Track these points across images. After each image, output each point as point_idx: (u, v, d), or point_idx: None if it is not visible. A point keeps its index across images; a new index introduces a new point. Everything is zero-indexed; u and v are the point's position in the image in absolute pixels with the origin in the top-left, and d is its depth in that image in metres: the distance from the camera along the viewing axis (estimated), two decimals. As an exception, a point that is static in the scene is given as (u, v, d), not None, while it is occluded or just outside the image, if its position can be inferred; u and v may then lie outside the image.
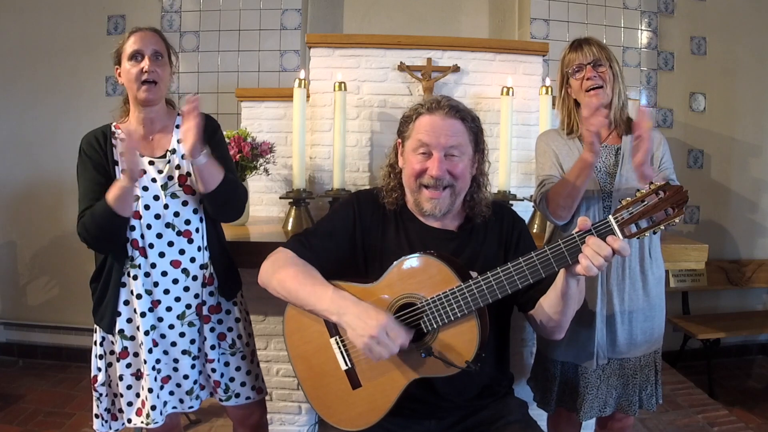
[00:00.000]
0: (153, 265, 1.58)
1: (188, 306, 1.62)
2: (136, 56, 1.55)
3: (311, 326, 1.43)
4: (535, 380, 1.91)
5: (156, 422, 1.59)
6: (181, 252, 1.61)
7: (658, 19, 3.52)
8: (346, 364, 1.39)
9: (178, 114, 1.67)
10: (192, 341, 1.64)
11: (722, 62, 3.61)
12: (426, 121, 1.44)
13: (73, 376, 3.20)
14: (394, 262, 1.37)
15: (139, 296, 1.57)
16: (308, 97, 2.36)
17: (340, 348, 1.40)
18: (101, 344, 1.62)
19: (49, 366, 3.35)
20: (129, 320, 1.59)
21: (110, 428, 1.65)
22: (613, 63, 1.72)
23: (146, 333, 1.57)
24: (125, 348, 1.60)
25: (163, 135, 1.64)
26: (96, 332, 1.62)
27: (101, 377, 1.62)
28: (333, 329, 1.41)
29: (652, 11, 3.51)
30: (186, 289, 1.62)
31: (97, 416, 1.64)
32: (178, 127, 1.64)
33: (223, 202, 1.60)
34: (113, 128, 1.62)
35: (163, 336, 1.61)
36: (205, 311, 1.65)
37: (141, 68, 1.54)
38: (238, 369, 1.72)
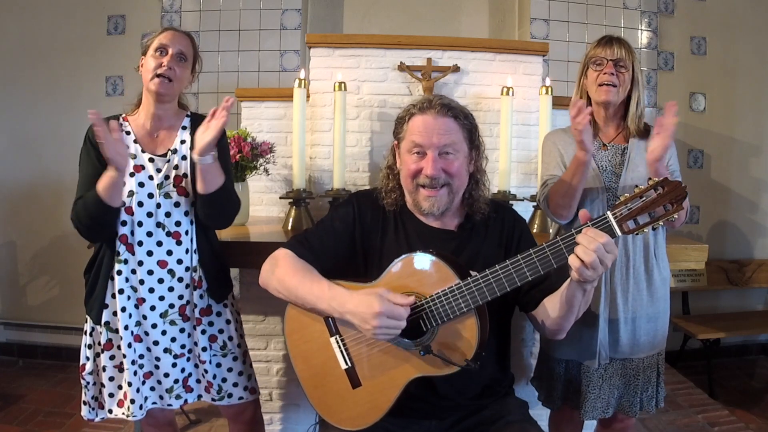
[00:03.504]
0: (140, 263, 1.59)
1: (171, 305, 1.63)
2: (160, 50, 1.58)
3: (311, 325, 1.43)
4: (539, 379, 1.91)
5: (135, 416, 1.61)
6: (169, 253, 1.61)
7: (658, 19, 3.52)
8: (346, 363, 1.39)
9: (187, 115, 1.69)
10: (173, 339, 1.65)
11: (722, 62, 3.60)
12: (418, 121, 1.44)
13: (73, 376, 3.18)
14: (394, 261, 1.37)
15: (121, 291, 1.58)
16: (308, 97, 2.35)
17: (340, 347, 1.40)
18: (90, 334, 1.64)
19: (49, 366, 3.34)
20: (115, 313, 1.61)
21: (97, 416, 1.68)
22: (637, 70, 1.71)
23: (126, 328, 1.58)
24: (109, 340, 1.62)
25: (168, 134, 1.65)
26: (87, 322, 1.65)
27: (89, 366, 1.64)
28: (333, 328, 1.41)
29: (652, 11, 3.50)
30: (171, 289, 1.63)
31: (85, 403, 1.67)
32: (184, 128, 1.66)
33: (217, 208, 1.61)
34: (122, 120, 1.64)
35: (146, 333, 1.62)
36: (196, 313, 1.66)
37: (161, 62, 1.56)
38: (230, 370, 1.73)
